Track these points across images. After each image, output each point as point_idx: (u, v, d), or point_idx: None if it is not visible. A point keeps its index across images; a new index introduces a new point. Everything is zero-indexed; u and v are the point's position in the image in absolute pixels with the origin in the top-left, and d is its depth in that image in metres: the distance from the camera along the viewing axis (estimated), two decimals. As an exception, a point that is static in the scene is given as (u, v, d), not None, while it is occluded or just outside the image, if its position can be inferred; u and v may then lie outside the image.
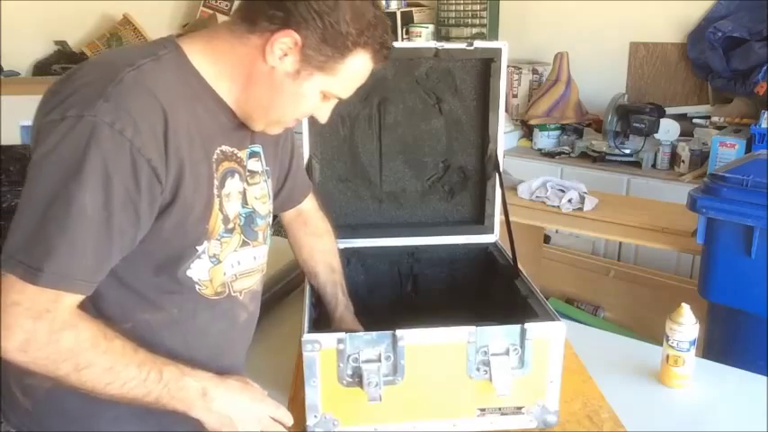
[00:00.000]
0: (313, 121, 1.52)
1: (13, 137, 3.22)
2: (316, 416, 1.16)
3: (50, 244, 0.84)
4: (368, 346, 1.14)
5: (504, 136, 1.68)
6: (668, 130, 3.29)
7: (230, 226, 1.04)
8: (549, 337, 1.16)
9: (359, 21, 0.94)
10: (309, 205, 1.40)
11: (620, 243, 3.18)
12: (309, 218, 1.40)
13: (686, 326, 1.35)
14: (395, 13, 4.09)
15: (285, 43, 0.93)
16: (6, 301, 0.83)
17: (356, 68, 0.99)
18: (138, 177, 0.87)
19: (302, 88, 0.98)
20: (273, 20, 0.93)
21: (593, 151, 3.41)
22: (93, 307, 0.93)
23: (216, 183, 0.99)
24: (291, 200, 1.35)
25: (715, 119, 3.34)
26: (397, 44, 1.30)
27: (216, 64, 0.98)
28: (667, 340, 1.37)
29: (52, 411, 1.00)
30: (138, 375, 0.90)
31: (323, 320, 1.33)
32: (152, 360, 0.92)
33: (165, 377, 0.92)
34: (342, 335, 1.12)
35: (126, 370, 0.89)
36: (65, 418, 1.00)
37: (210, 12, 4.07)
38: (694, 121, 3.40)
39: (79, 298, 0.87)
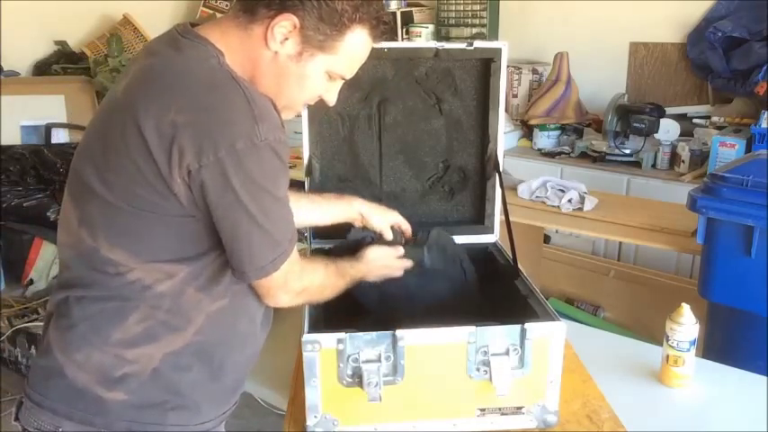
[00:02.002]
0: (313, 120, 1.53)
1: (13, 137, 3.22)
2: (316, 416, 1.16)
3: (279, 232, 1.02)
4: (368, 346, 1.14)
5: (504, 136, 1.68)
6: (668, 130, 3.29)
7: None
8: (549, 337, 1.16)
9: None
10: None
11: (620, 243, 3.18)
12: None
13: (686, 326, 1.35)
14: (395, 13, 4.09)
15: (285, 27, 0.99)
16: (281, 288, 1.07)
17: (356, 45, 1.05)
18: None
19: (306, 69, 1.04)
20: (271, 6, 0.99)
21: (593, 151, 3.40)
22: (198, 284, 1.05)
23: None
24: None
25: (715, 119, 3.34)
26: (396, 44, 1.30)
27: (234, 59, 1.02)
28: (667, 340, 1.37)
29: (156, 387, 1.06)
30: (340, 281, 1.24)
31: (324, 320, 1.33)
32: (341, 268, 1.25)
33: (349, 275, 1.27)
34: (342, 335, 1.13)
35: (336, 281, 1.22)
36: (167, 389, 1.07)
37: (210, 12, 4.07)
38: (694, 121, 3.40)
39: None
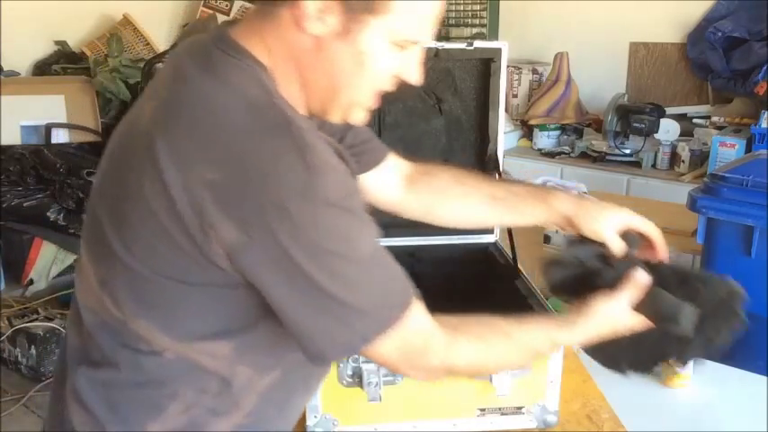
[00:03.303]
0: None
1: (13, 137, 3.22)
2: (316, 416, 1.16)
3: (366, 300, 0.79)
4: (368, 346, 1.14)
5: (504, 136, 1.68)
6: (668, 130, 3.29)
7: None
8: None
9: None
10: (397, 161, 1.18)
11: (620, 243, 3.18)
12: (411, 171, 1.18)
13: (686, 326, 1.34)
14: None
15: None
16: (404, 365, 0.84)
17: None
18: None
19: (362, 45, 0.78)
20: None
21: (593, 151, 3.40)
22: (246, 359, 0.84)
23: None
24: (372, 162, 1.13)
25: (715, 119, 3.33)
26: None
27: (276, 67, 0.81)
28: (667, 340, 1.36)
29: None
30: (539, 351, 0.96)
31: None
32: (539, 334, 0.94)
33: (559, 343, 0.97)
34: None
35: (529, 354, 0.95)
36: None
37: (210, 12, 4.06)
38: (694, 121, 3.40)
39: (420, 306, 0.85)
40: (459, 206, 1.15)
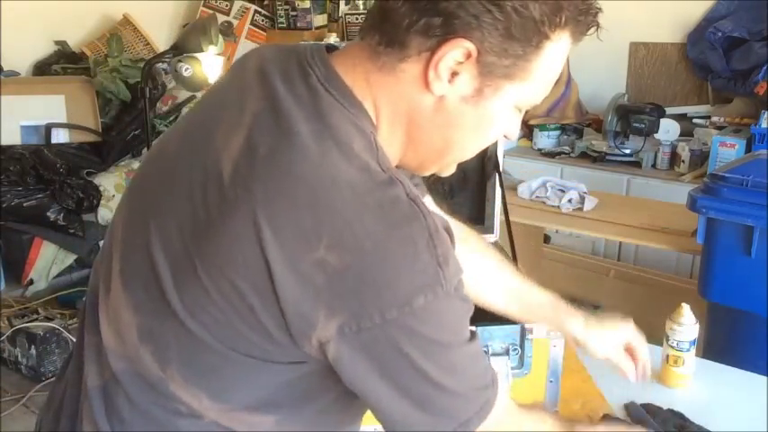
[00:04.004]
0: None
1: (13, 137, 3.22)
2: (315, 416, 1.16)
3: (471, 384, 0.75)
4: (368, 346, 1.13)
5: (504, 136, 1.68)
6: (668, 130, 3.29)
7: None
8: (548, 336, 1.16)
9: None
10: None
11: (620, 243, 3.18)
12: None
13: (686, 326, 1.35)
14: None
15: (454, 58, 0.67)
16: None
17: (557, 56, 0.72)
18: None
19: (489, 110, 0.72)
20: (431, 31, 0.66)
21: (593, 151, 3.40)
22: (287, 427, 0.77)
23: None
24: None
25: (715, 119, 3.33)
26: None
27: (383, 120, 0.73)
28: (667, 340, 1.37)
29: None
30: None
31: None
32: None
33: None
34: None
35: None
36: None
37: (210, 12, 4.06)
38: (694, 121, 3.40)
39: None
40: (483, 293, 1.11)
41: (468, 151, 0.78)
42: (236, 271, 0.65)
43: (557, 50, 0.71)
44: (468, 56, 0.67)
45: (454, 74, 0.68)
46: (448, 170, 0.81)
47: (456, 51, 0.67)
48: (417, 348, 0.67)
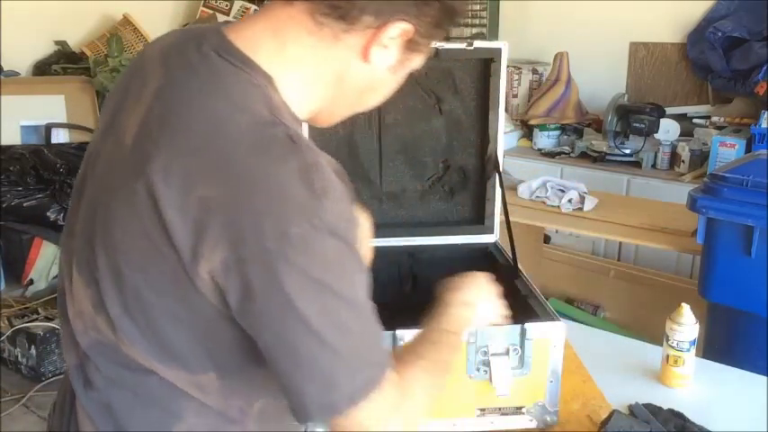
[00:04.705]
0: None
1: (13, 137, 3.22)
2: (316, 416, 1.16)
3: (358, 353, 0.74)
4: (368, 346, 1.13)
5: (504, 136, 1.68)
6: (668, 130, 3.29)
7: None
8: (548, 337, 1.16)
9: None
10: None
11: (620, 243, 3.18)
12: None
13: (686, 326, 1.35)
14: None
15: (390, 36, 0.79)
16: (371, 421, 0.76)
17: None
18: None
19: (399, 77, 0.87)
20: (380, 14, 0.77)
21: (593, 151, 3.40)
22: (235, 391, 0.82)
23: None
24: None
25: (715, 119, 3.34)
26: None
27: (295, 79, 0.80)
28: (667, 340, 1.37)
29: None
30: (441, 366, 0.92)
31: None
32: (433, 347, 0.93)
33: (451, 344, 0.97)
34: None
35: (441, 373, 0.91)
36: None
37: (210, 12, 4.06)
38: (694, 121, 3.40)
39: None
40: None
41: (367, 108, 0.90)
42: (139, 216, 0.72)
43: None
44: (404, 35, 0.79)
45: (385, 47, 0.80)
46: (329, 122, 0.90)
47: (395, 30, 0.78)
48: (297, 284, 0.69)
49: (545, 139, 3.66)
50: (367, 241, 1.05)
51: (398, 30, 0.78)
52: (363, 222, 0.81)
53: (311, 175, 0.70)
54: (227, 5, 4.13)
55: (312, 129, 1.53)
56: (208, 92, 0.75)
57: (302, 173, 0.70)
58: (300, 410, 0.74)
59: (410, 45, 0.81)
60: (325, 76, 0.81)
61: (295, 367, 0.72)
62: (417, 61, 0.86)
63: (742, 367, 1.45)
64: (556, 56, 3.68)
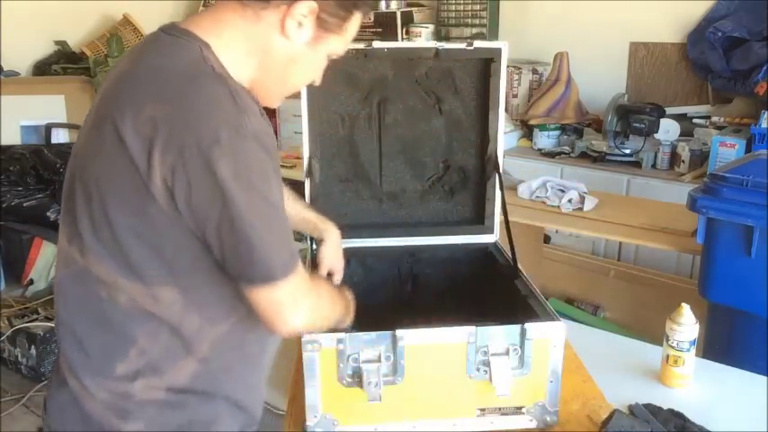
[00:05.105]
0: (313, 120, 1.53)
1: (13, 137, 3.22)
2: (316, 416, 1.16)
3: (279, 240, 0.93)
4: (368, 346, 1.14)
5: (504, 136, 1.68)
6: (668, 130, 3.29)
7: None
8: (549, 337, 1.16)
9: None
10: None
11: (620, 243, 3.18)
12: None
13: (686, 326, 1.35)
14: (395, 13, 4.08)
15: (302, 13, 0.95)
16: (288, 298, 0.95)
17: (355, 26, 1.04)
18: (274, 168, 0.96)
19: (318, 53, 1.02)
20: None
21: (593, 151, 3.40)
22: (194, 308, 0.97)
23: None
24: None
25: (715, 119, 3.33)
26: (396, 44, 1.30)
27: (231, 51, 0.97)
28: (667, 340, 1.37)
29: (171, 416, 1.00)
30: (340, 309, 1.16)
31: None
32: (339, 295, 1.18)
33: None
34: (342, 335, 1.13)
35: (338, 306, 1.14)
36: (182, 418, 1.01)
37: (210, 12, 4.07)
38: (694, 121, 3.40)
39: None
40: None
41: (297, 85, 1.08)
42: (106, 148, 0.90)
43: (357, 20, 1.03)
44: (312, 12, 0.96)
45: (300, 24, 0.96)
46: (274, 102, 1.06)
47: (303, 7, 0.95)
48: (228, 176, 0.86)
49: (545, 139, 3.66)
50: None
51: (306, 7, 0.95)
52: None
53: (235, 97, 0.90)
54: (227, 5, 4.14)
55: (313, 130, 1.54)
56: (150, 51, 0.96)
57: (228, 94, 0.90)
58: (245, 276, 0.92)
59: (321, 23, 0.98)
60: (253, 49, 0.98)
61: (239, 243, 0.89)
62: (335, 43, 1.02)
63: (742, 367, 1.45)
64: (556, 56, 3.68)
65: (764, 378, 1.39)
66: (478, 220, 1.64)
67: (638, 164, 3.31)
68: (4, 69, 3.42)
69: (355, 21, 1.03)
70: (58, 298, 1.01)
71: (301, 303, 0.97)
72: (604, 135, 3.39)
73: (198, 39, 0.95)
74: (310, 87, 1.38)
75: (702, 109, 3.47)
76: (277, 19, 0.96)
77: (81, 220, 0.94)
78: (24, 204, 3.02)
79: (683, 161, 3.20)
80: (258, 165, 0.89)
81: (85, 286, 0.96)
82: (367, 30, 3.94)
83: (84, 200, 0.93)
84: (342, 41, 1.04)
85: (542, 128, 3.66)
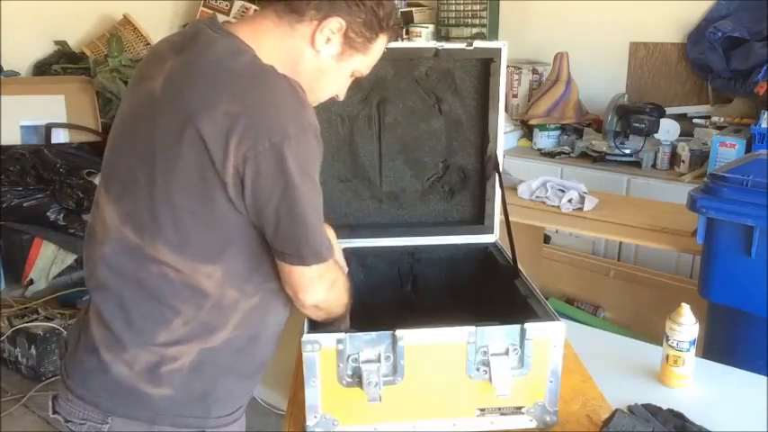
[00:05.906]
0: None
1: (13, 137, 3.22)
2: (315, 416, 1.16)
3: (320, 221, 1.07)
4: (368, 346, 1.14)
5: (504, 136, 1.68)
6: (668, 130, 3.29)
7: None
8: (548, 337, 1.16)
9: (386, 6, 1.11)
10: None
11: (620, 243, 3.18)
12: None
13: (686, 326, 1.35)
14: (395, 13, 4.08)
15: (331, 29, 1.06)
16: (318, 275, 1.08)
17: (380, 48, 1.15)
18: None
19: (343, 68, 1.13)
20: (320, 9, 1.05)
21: (593, 151, 3.40)
22: (234, 282, 1.07)
23: None
24: None
25: (715, 119, 3.33)
26: (396, 44, 1.30)
27: (269, 58, 1.05)
28: (667, 340, 1.37)
29: (198, 381, 1.10)
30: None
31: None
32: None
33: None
34: (342, 335, 1.13)
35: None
36: (208, 383, 1.11)
37: (210, 12, 4.07)
38: (694, 121, 3.40)
39: None
40: None
41: (322, 97, 1.17)
42: (181, 141, 0.99)
43: (382, 43, 1.15)
44: (341, 29, 1.07)
45: (328, 39, 1.08)
46: None
47: (333, 24, 1.06)
48: (296, 169, 0.98)
49: (545, 139, 3.66)
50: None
51: (336, 24, 1.06)
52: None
53: (297, 91, 1.03)
54: (226, 5, 4.14)
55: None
56: (206, 50, 1.04)
57: (291, 89, 1.02)
58: (297, 256, 1.04)
59: (348, 41, 1.09)
60: (286, 58, 1.07)
61: (297, 224, 1.02)
62: (359, 61, 1.13)
63: (742, 367, 1.45)
64: (556, 56, 3.68)
65: (764, 378, 1.39)
66: (478, 219, 1.64)
67: (638, 164, 3.31)
68: (4, 69, 3.42)
69: (381, 42, 1.13)
70: (103, 270, 1.08)
71: (327, 281, 1.10)
72: (604, 135, 3.39)
73: (244, 43, 1.05)
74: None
75: (702, 109, 3.47)
76: (309, 32, 1.06)
77: (139, 201, 1.04)
78: (24, 204, 3.02)
79: (682, 161, 3.21)
80: (313, 154, 1.02)
81: (137, 262, 1.05)
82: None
83: (147, 184, 1.02)
84: (366, 61, 1.14)
85: (542, 128, 3.66)
